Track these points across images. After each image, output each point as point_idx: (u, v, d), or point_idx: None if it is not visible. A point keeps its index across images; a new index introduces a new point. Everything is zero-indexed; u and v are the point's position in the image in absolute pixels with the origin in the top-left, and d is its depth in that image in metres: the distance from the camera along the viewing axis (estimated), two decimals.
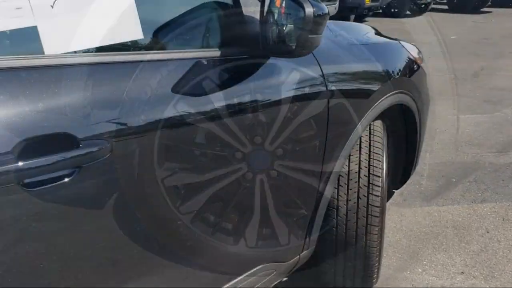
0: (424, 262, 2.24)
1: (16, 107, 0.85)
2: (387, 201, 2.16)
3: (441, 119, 4.28)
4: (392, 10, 13.47)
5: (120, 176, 0.96)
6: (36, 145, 0.84)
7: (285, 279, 1.86)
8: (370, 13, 11.98)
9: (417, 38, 8.06)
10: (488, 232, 2.50)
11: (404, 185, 2.41)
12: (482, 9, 15.40)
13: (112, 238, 1.02)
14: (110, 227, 1.00)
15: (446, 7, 16.17)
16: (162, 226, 1.15)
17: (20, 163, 0.81)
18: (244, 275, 1.39)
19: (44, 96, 0.88)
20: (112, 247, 1.03)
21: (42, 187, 0.84)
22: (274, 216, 1.46)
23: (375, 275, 1.94)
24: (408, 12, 14.31)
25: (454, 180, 3.11)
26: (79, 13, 0.93)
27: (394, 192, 2.43)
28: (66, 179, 0.86)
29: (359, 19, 11.22)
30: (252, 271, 1.41)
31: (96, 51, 1.01)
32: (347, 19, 10.27)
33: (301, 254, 1.63)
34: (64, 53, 0.94)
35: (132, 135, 0.99)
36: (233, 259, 1.37)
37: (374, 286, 1.98)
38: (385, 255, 2.19)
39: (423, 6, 14.49)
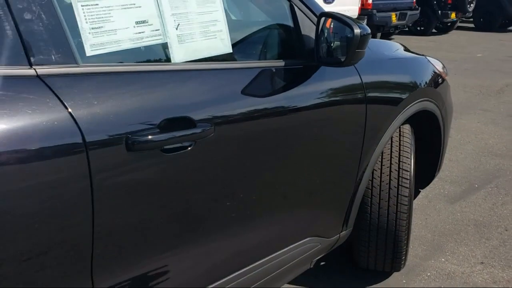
0: (447, 253, 2.50)
1: (160, 99, 1.22)
2: (414, 199, 2.43)
3: (466, 131, 4.53)
4: (418, 28, 13.71)
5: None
6: (171, 123, 1.20)
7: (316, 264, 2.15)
8: (397, 31, 12.23)
9: (443, 55, 8.29)
10: (507, 230, 2.74)
11: (429, 189, 2.67)
12: (508, 28, 15.48)
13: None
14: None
15: (472, 25, 16.29)
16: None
17: (162, 135, 1.16)
18: (295, 244, 1.70)
19: (177, 92, 1.27)
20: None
21: (174, 153, 1.19)
22: (323, 196, 1.77)
23: (403, 260, 2.22)
24: (434, 30, 14.50)
25: (476, 185, 3.35)
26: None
27: (420, 191, 2.70)
28: (188, 148, 1.22)
29: (386, 36, 11.48)
30: (301, 241, 1.72)
31: (202, 61, 1.38)
32: (374, 36, 10.55)
33: (340, 234, 1.93)
34: (186, 62, 1.32)
35: (229, 123, 1.35)
36: (288, 229, 1.69)
37: (401, 270, 2.25)
38: (411, 247, 2.45)
39: (449, 24, 14.66)
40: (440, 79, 2.43)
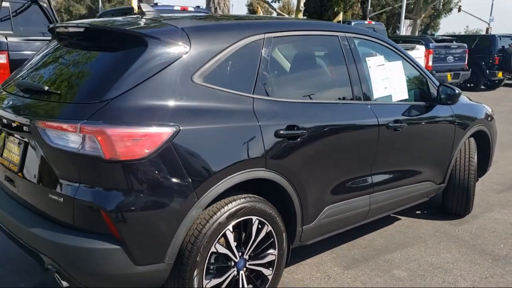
0: (494, 212, 4.51)
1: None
2: (476, 181, 4.45)
3: (507, 159, 6.53)
4: (468, 84, 15.72)
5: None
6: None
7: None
8: None
9: (491, 107, 10.28)
10: None
11: (485, 187, 4.63)
12: None
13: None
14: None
15: None
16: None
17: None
18: (423, 182, 3.80)
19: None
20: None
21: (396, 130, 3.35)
22: (435, 164, 3.89)
23: (471, 208, 4.28)
24: (482, 87, 16.45)
25: None
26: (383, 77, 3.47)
27: (478, 179, 4.73)
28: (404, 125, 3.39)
29: None
30: (425, 182, 3.82)
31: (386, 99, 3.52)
32: None
33: (441, 185, 4.03)
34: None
35: (403, 123, 3.49)
36: (420, 175, 3.79)
37: (468, 214, 4.29)
38: (474, 207, 4.46)
39: (496, 81, 16.59)
40: (489, 116, 4.53)
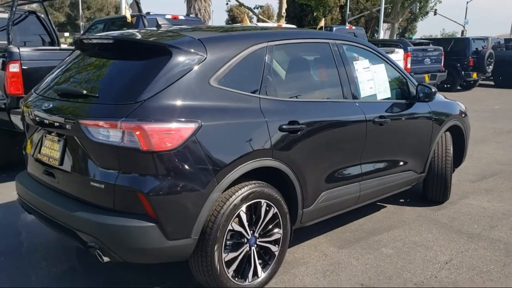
0: (469, 198, 5.00)
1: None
2: (452, 172, 4.93)
3: (482, 152, 7.09)
4: (445, 85, 16.41)
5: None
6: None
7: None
8: None
9: (466, 106, 10.90)
10: (498, 192, 5.24)
11: (461, 178, 5.14)
12: None
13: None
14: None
15: (492, 83, 18.91)
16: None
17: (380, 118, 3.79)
18: (405, 171, 4.26)
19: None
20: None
21: (381, 125, 3.80)
22: (415, 155, 4.36)
23: (448, 196, 4.76)
24: (458, 87, 17.16)
25: (487, 176, 5.87)
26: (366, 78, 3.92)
27: (455, 170, 5.22)
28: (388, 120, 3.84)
29: None
30: (408, 171, 4.28)
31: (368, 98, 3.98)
32: None
33: (422, 174, 4.50)
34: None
35: (386, 119, 3.95)
36: (402, 165, 4.25)
37: (446, 201, 4.78)
38: (451, 195, 4.95)
39: (471, 82, 17.33)
40: (463, 113, 5.02)
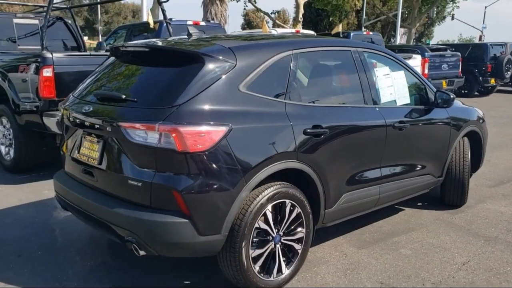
0: (486, 203, 5.09)
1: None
2: (470, 177, 5.03)
3: (500, 158, 7.14)
4: (463, 91, 16.39)
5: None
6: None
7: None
8: None
9: (484, 112, 10.95)
10: None
11: (478, 182, 5.23)
12: None
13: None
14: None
15: (511, 88, 18.80)
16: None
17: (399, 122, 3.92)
18: (423, 174, 4.38)
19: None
20: None
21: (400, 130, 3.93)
22: (433, 159, 4.46)
23: (465, 200, 4.86)
24: (476, 93, 17.11)
25: (504, 181, 5.94)
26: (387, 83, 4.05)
27: (472, 174, 5.31)
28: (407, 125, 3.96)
29: None
30: (426, 174, 4.40)
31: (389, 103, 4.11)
32: None
33: (439, 178, 4.61)
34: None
35: (405, 124, 4.07)
36: (421, 169, 4.37)
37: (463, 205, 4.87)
38: (468, 199, 5.04)
39: (489, 88, 17.28)
40: (481, 119, 5.12)
